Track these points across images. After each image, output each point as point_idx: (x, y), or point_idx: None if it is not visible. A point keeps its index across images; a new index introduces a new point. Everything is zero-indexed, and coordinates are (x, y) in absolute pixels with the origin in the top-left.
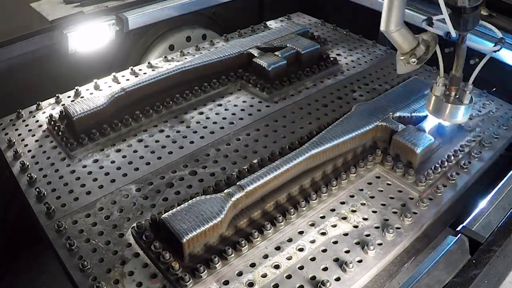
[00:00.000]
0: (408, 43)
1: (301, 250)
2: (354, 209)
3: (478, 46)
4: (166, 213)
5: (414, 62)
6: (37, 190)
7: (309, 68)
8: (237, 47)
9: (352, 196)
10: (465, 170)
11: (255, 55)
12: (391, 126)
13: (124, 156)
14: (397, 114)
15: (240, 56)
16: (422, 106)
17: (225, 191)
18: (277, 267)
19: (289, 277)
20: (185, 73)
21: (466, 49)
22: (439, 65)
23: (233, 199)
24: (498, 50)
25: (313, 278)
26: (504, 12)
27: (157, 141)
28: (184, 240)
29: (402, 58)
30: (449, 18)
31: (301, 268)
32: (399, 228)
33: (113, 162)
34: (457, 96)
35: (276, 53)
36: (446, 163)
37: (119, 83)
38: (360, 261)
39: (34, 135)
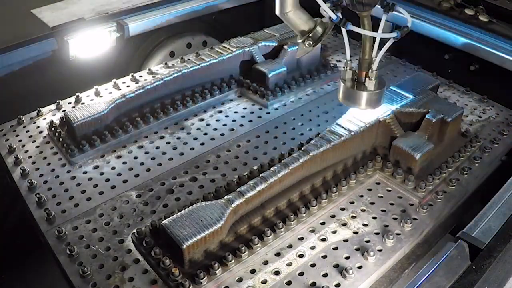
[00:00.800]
0: (303, 24)
1: (301, 256)
2: (354, 215)
3: (369, 33)
4: (166, 219)
5: (310, 44)
6: (38, 196)
7: (309, 75)
8: (237, 45)
9: (352, 202)
10: (465, 175)
11: (256, 57)
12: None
13: (124, 163)
14: (400, 109)
15: (240, 55)
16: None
17: (225, 197)
18: (277, 273)
19: (289, 283)
20: (185, 76)
21: (366, 32)
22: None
23: (233, 205)
24: (397, 39)
25: (313, 284)
26: (504, 18)
27: (157, 148)
28: (184, 246)
29: (299, 41)
30: (324, 4)
31: (301, 274)
32: (399, 234)
33: (113, 168)
34: (365, 83)
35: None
36: (446, 168)
37: (120, 89)
38: (360, 267)
39: (34, 141)
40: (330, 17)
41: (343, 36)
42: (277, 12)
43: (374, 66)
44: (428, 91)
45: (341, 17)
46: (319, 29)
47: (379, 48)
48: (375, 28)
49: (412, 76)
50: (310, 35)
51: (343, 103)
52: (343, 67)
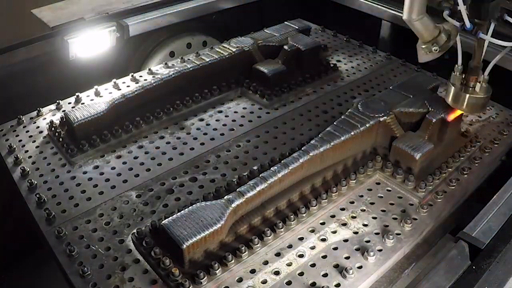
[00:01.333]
0: (429, 32)
1: (301, 256)
2: (354, 215)
3: (495, 41)
4: (166, 219)
5: (436, 50)
6: (38, 196)
7: (309, 75)
8: (237, 45)
9: (352, 203)
10: (465, 175)
11: (256, 57)
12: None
13: (124, 163)
14: (400, 109)
15: (240, 54)
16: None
17: (225, 197)
18: (277, 273)
19: (289, 283)
20: (185, 75)
21: (486, 41)
22: (457, 55)
23: (233, 205)
24: None
25: (313, 284)
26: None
27: (157, 148)
28: (184, 246)
29: (423, 47)
30: (464, 9)
31: (301, 274)
32: (399, 234)
33: (113, 168)
34: (475, 87)
35: (276, 59)
36: (446, 168)
37: (120, 89)
38: (360, 267)
39: (34, 141)
40: (463, 25)
41: (457, 44)
42: (405, 17)
43: (486, 72)
44: (428, 91)
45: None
46: (443, 36)
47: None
48: None
49: (412, 76)
50: (436, 41)
51: (452, 106)
52: (453, 72)
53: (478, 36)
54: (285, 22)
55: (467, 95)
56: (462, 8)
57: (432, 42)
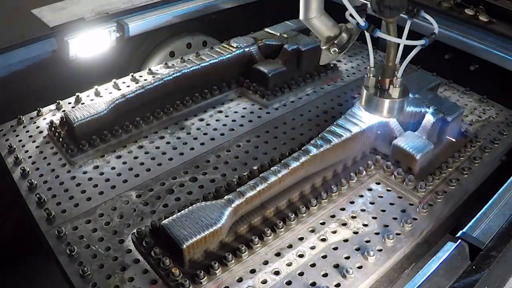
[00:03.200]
0: (328, 30)
1: (301, 256)
2: (354, 215)
3: (396, 40)
4: (166, 219)
5: (335, 51)
6: (38, 196)
7: (309, 75)
8: (237, 45)
9: (352, 203)
10: (465, 175)
11: (255, 56)
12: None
13: (124, 163)
14: None
15: (240, 54)
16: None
17: (225, 197)
18: (277, 273)
19: (289, 283)
20: (185, 76)
21: (402, 40)
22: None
23: (233, 205)
24: (425, 46)
25: (313, 284)
26: (504, 18)
27: (157, 148)
28: (184, 246)
29: (324, 47)
30: (351, 7)
31: (301, 274)
32: (399, 234)
33: (113, 168)
34: (389, 91)
35: (276, 59)
36: (446, 168)
37: (120, 89)
38: (360, 267)
39: (34, 141)
40: (358, 23)
41: (367, 43)
42: (301, 17)
43: (399, 74)
44: (427, 90)
45: (368, 23)
46: (344, 35)
47: (403, 55)
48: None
49: (411, 75)
50: (336, 41)
51: (365, 110)
52: (366, 74)
53: (375, 35)
54: (285, 22)
55: (381, 99)
56: (348, 6)
57: (332, 43)
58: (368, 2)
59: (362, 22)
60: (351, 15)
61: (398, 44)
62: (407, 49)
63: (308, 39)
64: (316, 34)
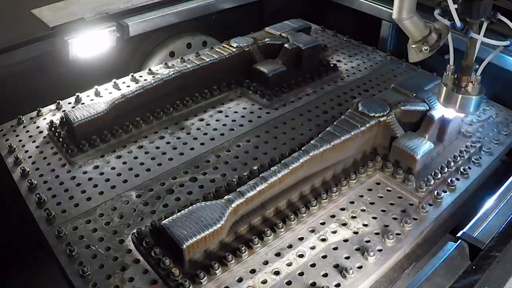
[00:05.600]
0: (420, 31)
1: (301, 256)
2: (354, 215)
3: (486, 40)
4: (166, 219)
5: (427, 49)
6: (38, 196)
7: (309, 75)
8: (236, 45)
9: (352, 203)
10: (465, 175)
11: (255, 56)
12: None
13: (124, 163)
14: (400, 109)
15: (240, 54)
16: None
17: (225, 197)
18: (277, 273)
19: (289, 283)
20: (185, 76)
21: (478, 40)
22: (449, 54)
23: (233, 205)
24: (508, 46)
25: (313, 284)
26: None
27: (157, 148)
28: (184, 246)
29: (414, 46)
30: (454, 7)
31: (301, 274)
32: (399, 234)
33: (113, 168)
34: (467, 87)
35: (276, 58)
36: (446, 169)
37: (120, 89)
38: (360, 267)
39: (34, 141)
40: (452, 24)
41: (448, 43)
42: (394, 16)
43: (479, 72)
44: (428, 90)
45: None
46: (434, 35)
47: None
48: None
49: (412, 75)
50: (426, 41)
51: (443, 106)
52: (445, 72)
53: (468, 35)
54: (285, 22)
55: (459, 95)
56: (451, 6)
57: (423, 42)
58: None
59: (458, 22)
60: (440, 14)
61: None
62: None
63: (308, 39)
64: (407, 33)
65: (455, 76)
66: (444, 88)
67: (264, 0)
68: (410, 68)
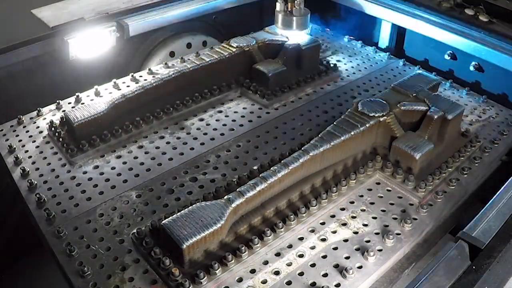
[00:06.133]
0: None
1: (301, 256)
2: (354, 215)
3: None
4: (166, 219)
5: None
6: (38, 196)
7: (309, 75)
8: (236, 45)
9: (352, 203)
10: (465, 175)
11: (255, 56)
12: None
13: (124, 163)
14: (400, 109)
15: (240, 54)
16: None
17: (225, 197)
18: (277, 273)
19: (289, 283)
20: (185, 76)
21: None
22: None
23: (233, 205)
24: None
25: (313, 284)
26: (504, 18)
27: (157, 148)
28: (184, 246)
29: None
30: None
31: (301, 274)
32: (399, 234)
33: (113, 168)
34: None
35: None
36: (446, 168)
37: (120, 89)
38: (360, 267)
39: (34, 141)
40: None
41: None
42: None
43: None
44: (428, 90)
45: None
46: None
47: None
48: None
49: (412, 75)
50: None
51: (279, 29)
52: (277, 2)
53: None
54: None
55: (293, 17)
56: None
57: None
58: None
59: None
60: None
61: None
62: None
63: (308, 37)
64: None
65: (286, 4)
66: (280, 15)
67: (264, 0)
68: (410, 68)
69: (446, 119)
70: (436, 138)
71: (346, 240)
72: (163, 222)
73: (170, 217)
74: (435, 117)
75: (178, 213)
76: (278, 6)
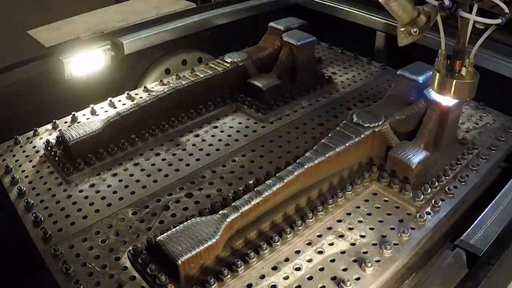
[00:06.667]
0: (407, 13)
1: (298, 269)
2: (351, 226)
3: (478, 18)
4: (161, 236)
5: (416, 32)
6: (34, 215)
7: (304, 87)
8: (230, 60)
9: (349, 214)
10: (463, 183)
11: (250, 71)
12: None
13: (120, 180)
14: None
15: (234, 69)
16: None
17: (220, 212)
18: (274, 287)
19: None
20: (180, 92)
21: (469, 20)
22: (453, 59)
23: (228, 220)
24: (501, 24)
25: None
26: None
27: (153, 164)
28: (179, 262)
29: (402, 29)
30: None
31: (298, 287)
32: (397, 244)
33: (109, 186)
34: (461, 72)
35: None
36: (443, 177)
37: (115, 107)
38: (358, 278)
39: (31, 160)
40: (441, 3)
41: (438, 25)
42: (381, 0)
43: (472, 55)
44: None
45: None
46: (423, 17)
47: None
48: None
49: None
50: (415, 23)
51: (437, 93)
52: (437, 57)
53: (458, 14)
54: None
55: (454, 81)
56: None
57: (411, 24)
58: None
59: (447, 1)
60: None
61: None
62: None
63: (303, 34)
64: (395, 16)
65: (448, 62)
66: (438, 74)
67: (260, 15)
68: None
69: (441, 127)
70: (432, 146)
71: (343, 252)
72: (158, 238)
73: (165, 233)
74: (432, 119)
75: (173, 229)
76: (439, 63)
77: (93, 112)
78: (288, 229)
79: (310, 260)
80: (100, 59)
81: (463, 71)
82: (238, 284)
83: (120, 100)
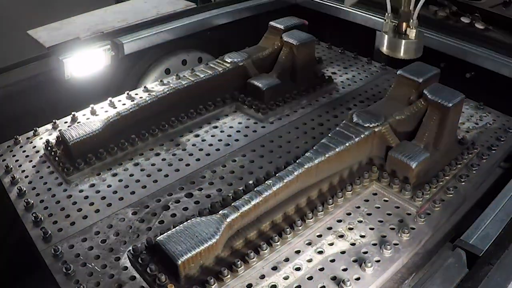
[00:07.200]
0: None
1: (298, 269)
2: (351, 226)
3: None
4: (161, 236)
5: None
6: (34, 215)
7: (304, 87)
8: (230, 60)
9: (349, 214)
10: (463, 183)
11: (250, 71)
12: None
13: (120, 180)
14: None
15: (234, 69)
16: None
17: (220, 212)
18: (274, 287)
19: None
20: (180, 92)
21: None
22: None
23: (228, 220)
24: None
25: None
26: (500, 25)
27: (153, 164)
28: (179, 262)
29: None
30: None
31: (298, 287)
32: (397, 244)
33: (109, 186)
34: (407, 33)
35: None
36: (443, 177)
37: (115, 107)
38: (358, 278)
39: (31, 160)
40: None
41: None
42: None
43: (415, 16)
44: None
45: None
46: None
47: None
48: None
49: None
50: None
51: (386, 53)
52: (384, 21)
53: None
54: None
55: (402, 41)
56: None
57: None
58: None
59: None
60: None
61: None
62: None
63: (303, 34)
64: None
65: (395, 24)
66: (386, 36)
67: (260, 15)
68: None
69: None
70: (432, 146)
71: (343, 252)
72: (158, 238)
73: (165, 233)
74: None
75: (173, 229)
76: (386, 25)
77: (93, 112)
78: (288, 229)
79: (310, 260)
80: (100, 59)
81: (409, 32)
82: (238, 284)
83: (120, 100)
